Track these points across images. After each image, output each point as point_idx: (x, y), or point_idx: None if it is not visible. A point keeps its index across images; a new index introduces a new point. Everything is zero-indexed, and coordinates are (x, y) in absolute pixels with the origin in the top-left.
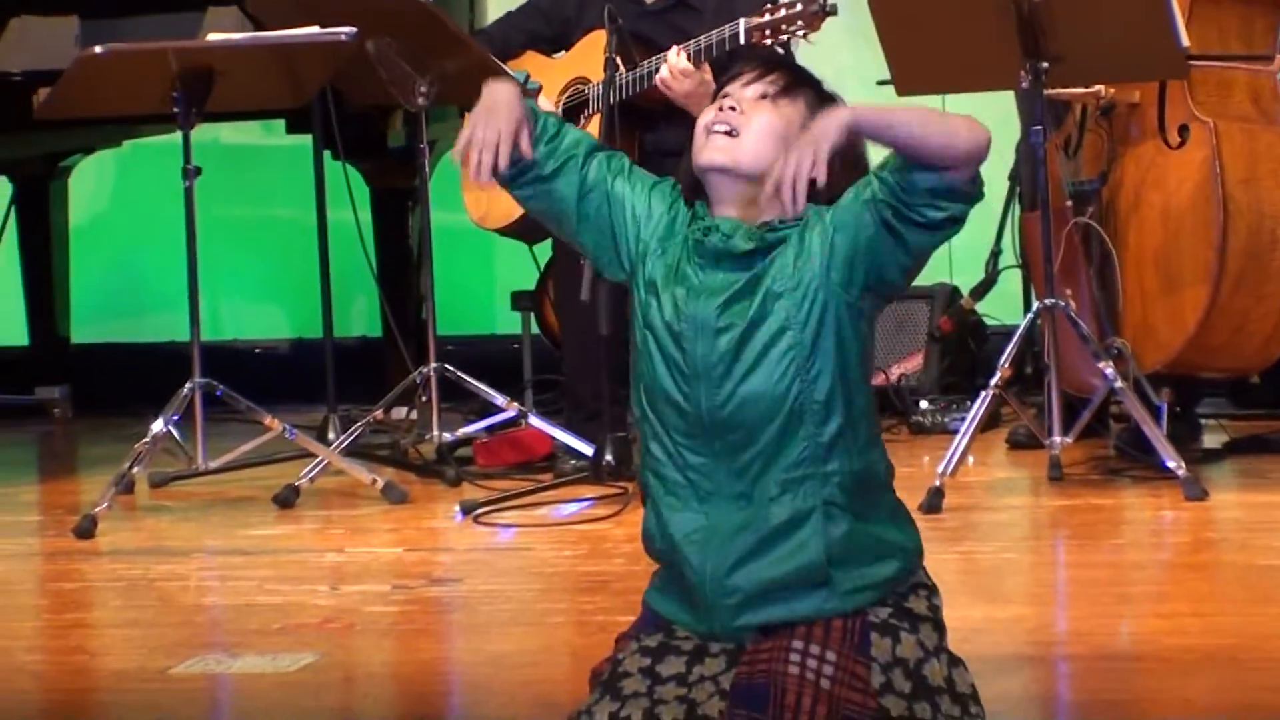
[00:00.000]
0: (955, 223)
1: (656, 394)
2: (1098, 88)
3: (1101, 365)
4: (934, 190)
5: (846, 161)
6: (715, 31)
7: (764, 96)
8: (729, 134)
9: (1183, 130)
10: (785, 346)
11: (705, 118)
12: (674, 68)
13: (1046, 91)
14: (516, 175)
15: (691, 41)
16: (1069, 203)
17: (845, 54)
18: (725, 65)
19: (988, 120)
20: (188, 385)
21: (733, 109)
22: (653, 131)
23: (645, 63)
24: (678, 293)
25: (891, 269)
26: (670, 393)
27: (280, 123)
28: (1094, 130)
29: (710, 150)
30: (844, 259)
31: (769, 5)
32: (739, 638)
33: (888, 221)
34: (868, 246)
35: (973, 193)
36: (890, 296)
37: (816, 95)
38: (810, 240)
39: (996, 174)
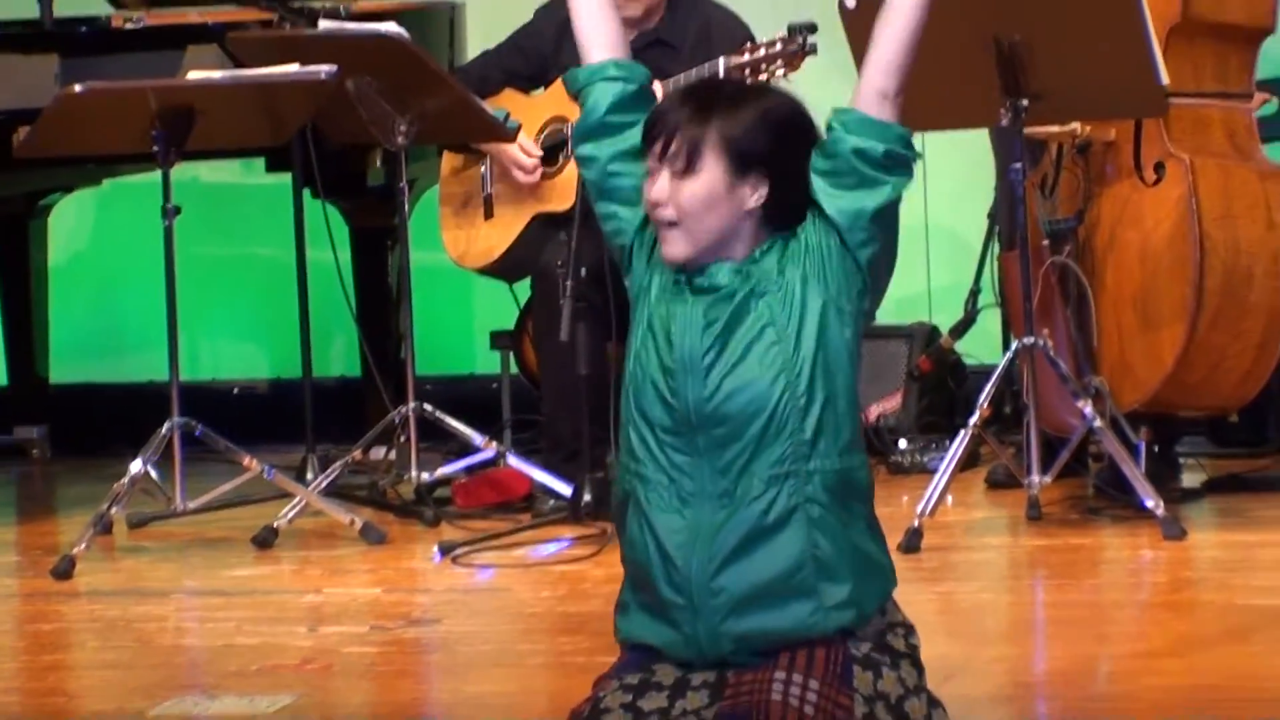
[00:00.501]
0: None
1: (645, 390)
2: (1074, 126)
3: (1080, 404)
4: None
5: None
6: (694, 70)
7: (676, 175)
8: (672, 225)
9: (1159, 167)
10: (769, 342)
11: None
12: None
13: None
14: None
15: (670, 80)
16: (1046, 241)
17: (825, 92)
18: None
19: (965, 159)
20: (166, 425)
21: (659, 204)
22: None
23: None
24: (668, 290)
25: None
26: (659, 386)
27: (259, 161)
28: (1070, 169)
29: (668, 247)
30: (823, 260)
31: (748, 44)
32: (723, 650)
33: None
34: (831, 243)
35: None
36: (874, 303)
37: (724, 117)
38: (798, 243)
39: (975, 212)
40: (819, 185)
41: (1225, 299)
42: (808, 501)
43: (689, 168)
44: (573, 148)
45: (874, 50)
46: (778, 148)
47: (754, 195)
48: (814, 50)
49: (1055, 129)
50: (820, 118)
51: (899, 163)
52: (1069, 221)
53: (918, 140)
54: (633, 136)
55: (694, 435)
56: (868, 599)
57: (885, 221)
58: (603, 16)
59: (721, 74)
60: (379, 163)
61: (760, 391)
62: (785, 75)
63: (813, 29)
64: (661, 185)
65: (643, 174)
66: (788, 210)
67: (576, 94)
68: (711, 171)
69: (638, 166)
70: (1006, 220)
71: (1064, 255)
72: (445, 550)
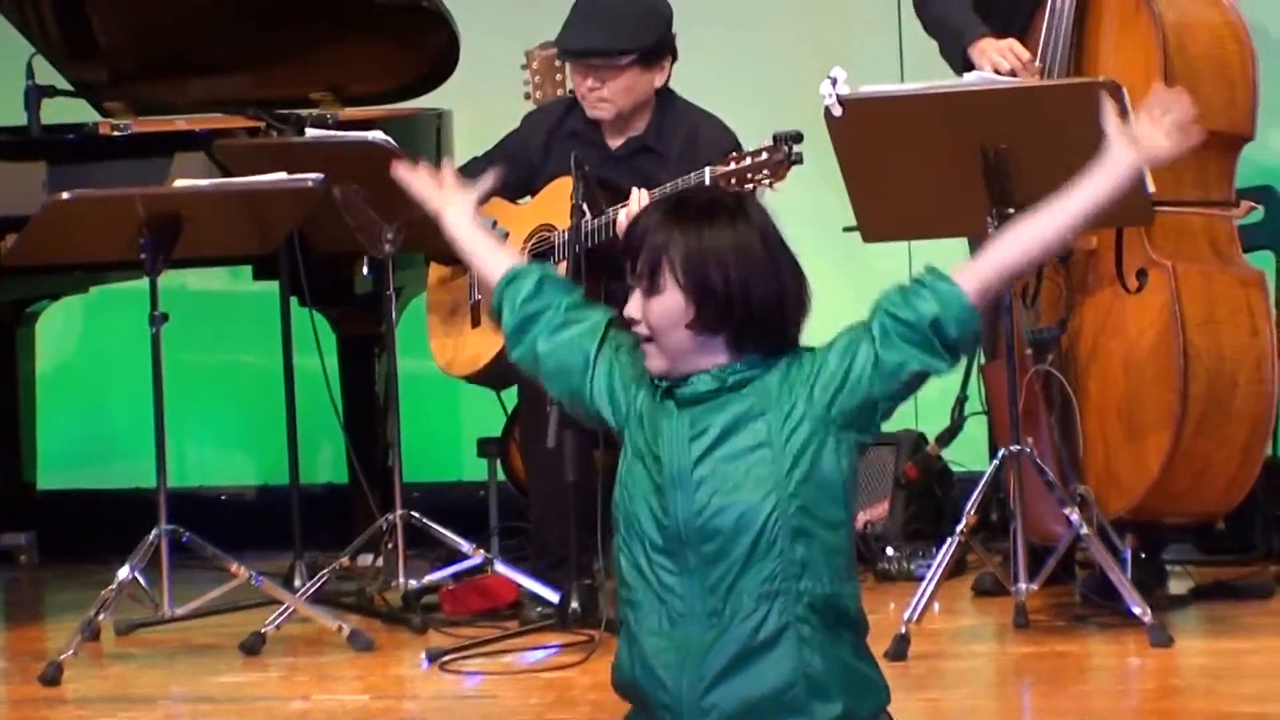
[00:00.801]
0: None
1: (636, 513)
2: None
3: (1066, 511)
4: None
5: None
6: (680, 179)
7: (643, 294)
8: (649, 340)
9: (1141, 274)
10: (763, 461)
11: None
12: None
13: None
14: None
15: (657, 189)
16: (1028, 351)
17: (810, 200)
18: None
19: (953, 265)
20: (154, 532)
21: (634, 321)
22: (619, 279)
23: (611, 209)
24: (652, 409)
25: (879, 397)
26: (651, 505)
27: (247, 269)
28: (1051, 278)
29: (648, 361)
30: (837, 390)
31: (734, 154)
32: None
33: (886, 346)
34: (861, 377)
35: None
36: (870, 439)
37: (683, 237)
38: (814, 363)
39: None
40: (886, 324)
41: (1210, 405)
42: (798, 620)
43: (652, 287)
44: (509, 354)
45: (1004, 252)
46: (729, 275)
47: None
48: (799, 159)
49: None
50: (805, 225)
51: (960, 350)
52: (1052, 330)
53: (904, 247)
54: (550, 316)
55: (684, 552)
56: (860, 716)
57: (916, 385)
58: (479, 241)
59: (708, 183)
60: (366, 270)
61: (750, 508)
62: (771, 185)
63: (798, 138)
64: (634, 303)
65: (572, 337)
66: (746, 334)
67: (498, 322)
68: (670, 292)
69: (563, 334)
70: (987, 330)
71: (1047, 364)
72: (433, 657)
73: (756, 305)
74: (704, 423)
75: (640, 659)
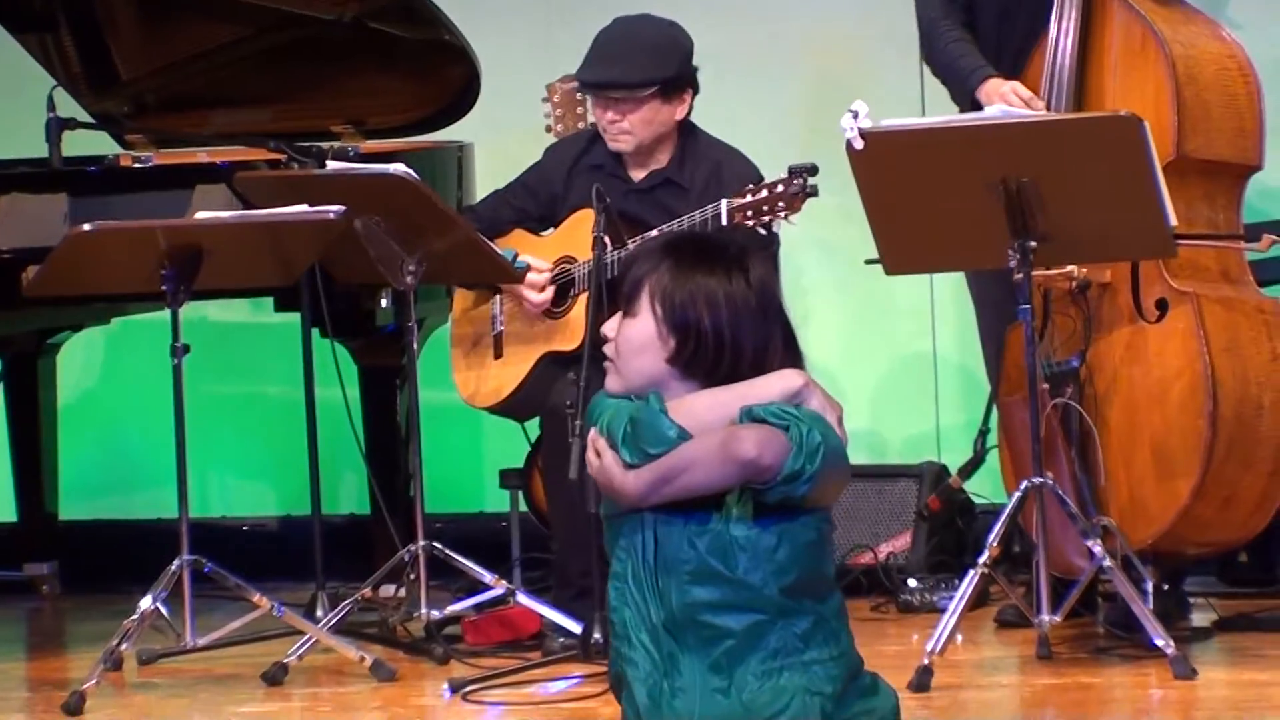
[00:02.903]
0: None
1: (632, 584)
2: (1070, 269)
3: (1089, 543)
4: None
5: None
6: (698, 211)
7: (623, 315)
8: (610, 361)
9: (1160, 304)
10: (746, 544)
11: None
12: None
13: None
14: None
15: (675, 221)
16: (1045, 385)
17: (833, 233)
18: None
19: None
20: (176, 562)
21: (606, 338)
22: None
23: (632, 241)
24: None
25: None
26: (644, 586)
27: (268, 300)
28: (1064, 311)
29: (607, 380)
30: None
31: (750, 186)
32: None
33: None
34: None
35: (787, 482)
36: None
37: (672, 271)
38: None
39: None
40: None
41: (1238, 430)
42: (807, 691)
43: (628, 309)
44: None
45: None
46: (717, 321)
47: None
48: (814, 191)
49: (1053, 272)
50: (827, 258)
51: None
52: (1070, 363)
53: (926, 280)
54: None
55: (683, 634)
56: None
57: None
58: None
59: (724, 215)
60: (387, 302)
61: (746, 593)
62: (787, 217)
63: (813, 170)
64: (611, 322)
65: None
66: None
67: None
68: (645, 317)
69: None
70: (993, 364)
71: (1066, 397)
72: (455, 687)
73: (747, 358)
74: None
75: None
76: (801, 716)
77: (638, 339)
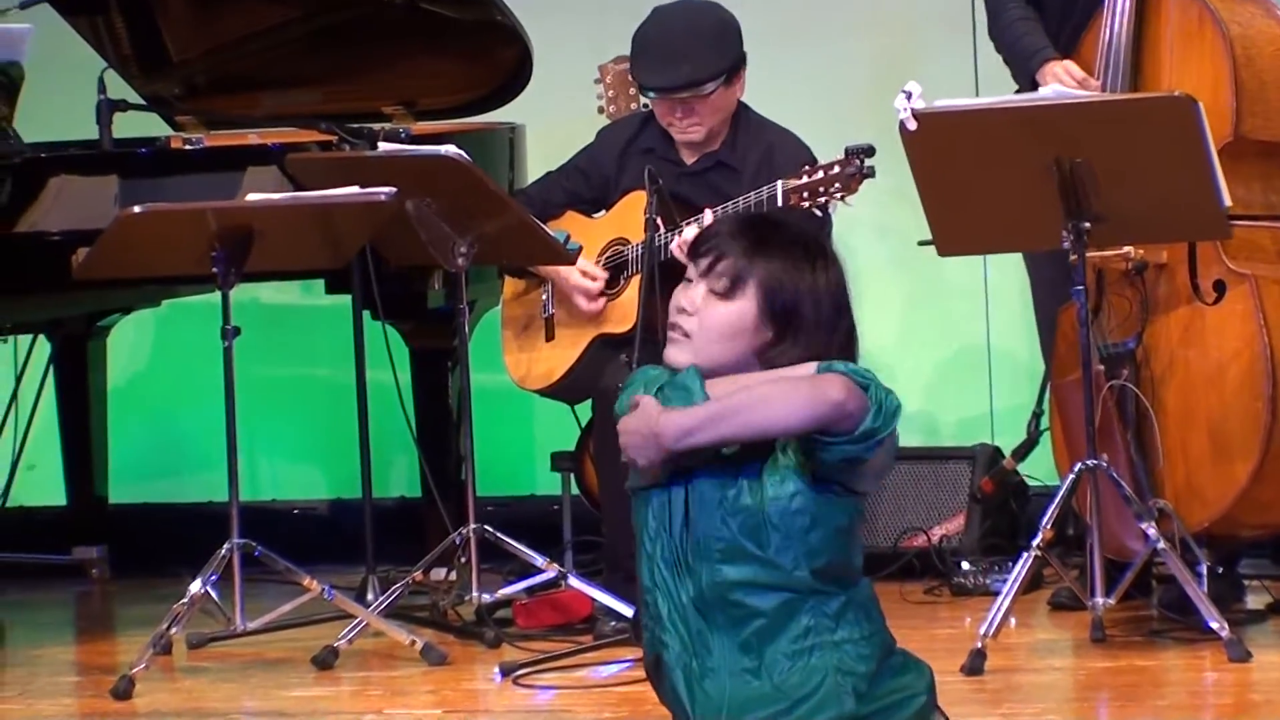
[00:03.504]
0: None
1: (660, 568)
2: (1126, 250)
3: (1144, 526)
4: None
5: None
6: (753, 194)
7: (712, 293)
8: (686, 335)
9: (1218, 285)
10: (780, 523)
11: (671, 313)
12: (684, 244)
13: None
14: None
15: (729, 204)
16: (1100, 367)
17: (886, 214)
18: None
19: (1027, 280)
20: (226, 546)
21: (684, 311)
22: None
23: (685, 223)
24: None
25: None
26: (674, 564)
27: (319, 283)
28: (1120, 293)
29: (670, 350)
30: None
31: (806, 167)
32: None
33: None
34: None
35: (860, 440)
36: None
37: (780, 261)
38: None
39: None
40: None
41: None
42: (839, 670)
43: (731, 287)
44: None
45: None
46: (814, 314)
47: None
48: (871, 173)
49: (1109, 253)
50: (879, 240)
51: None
52: (1127, 345)
53: (979, 262)
54: None
55: (713, 613)
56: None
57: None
58: None
59: (780, 197)
60: (439, 284)
61: (775, 574)
62: (843, 199)
63: (870, 151)
64: (694, 295)
65: None
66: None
67: None
68: (749, 299)
69: None
70: (1047, 348)
71: (1122, 379)
72: (506, 671)
73: (822, 352)
74: (727, 488)
75: (683, 710)
76: (833, 696)
77: (732, 323)
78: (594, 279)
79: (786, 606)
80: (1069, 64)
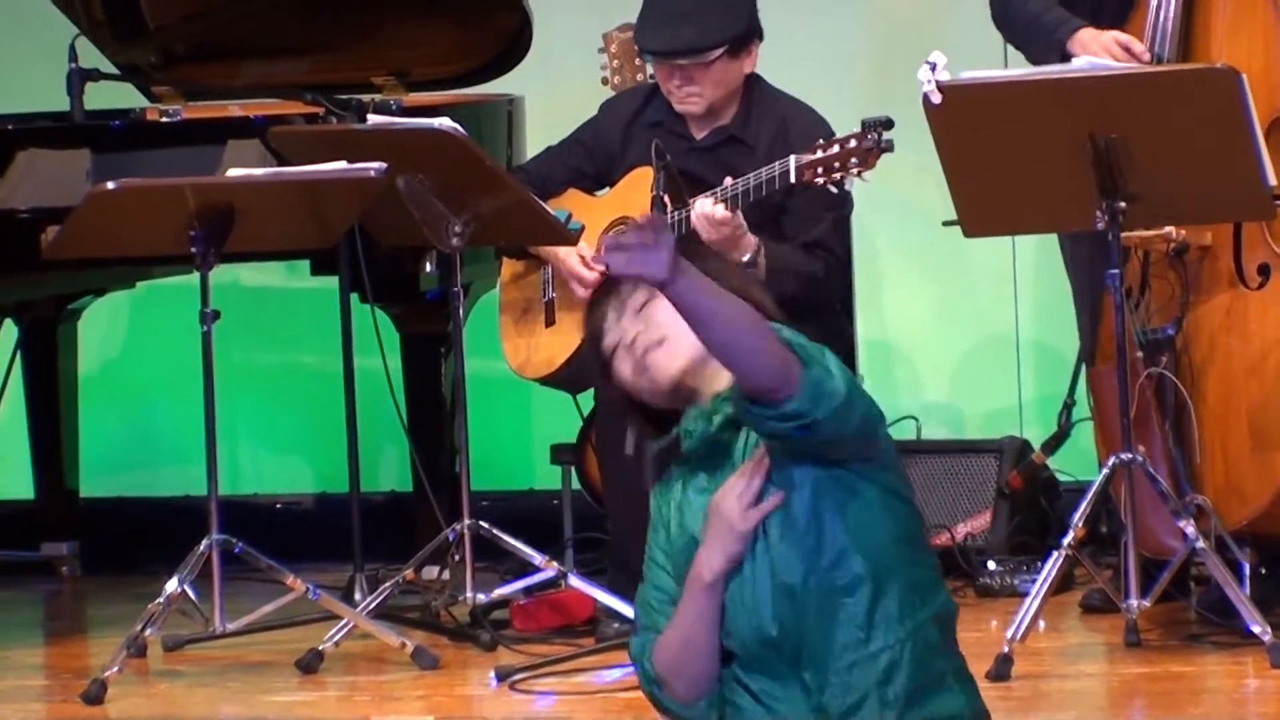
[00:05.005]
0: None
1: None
2: (1168, 230)
3: (1181, 524)
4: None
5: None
6: (765, 169)
7: (643, 305)
8: (659, 344)
9: (1263, 269)
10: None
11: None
12: (706, 216)
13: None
14: None
15: (740, 180)
16: (1139, 354)
17: (909, 193)
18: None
19: (1055, 267)
20: (204, 542)
21: (640, 331)
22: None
23: (694, 201)
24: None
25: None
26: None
27: (304, 264)
28: (1162, 276)
29: (654, 373)
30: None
31: (820, 141)
32: None
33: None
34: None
35: (787, 419)
36: (868, 456)
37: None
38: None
39: (1067, 321)
40: None
41: None
42: (879, 685)
43: (649, 297)
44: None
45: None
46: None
47: None
48: (890, 147)
49: (1150, 234)
50: (903, 219)
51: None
52: (1166, 331)
53: (1008, 243)
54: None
55: (767, 662)
56: None
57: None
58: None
59: (793, 174)
60: (432, 266)
61: (796, 592)
62: (860, 174)
63: (888, 124)
64: (630, 315)
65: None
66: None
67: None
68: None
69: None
70: (1088, 333)
71: (1161, 366)
72: (502, 676)
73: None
74: None
75: None
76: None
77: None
78: (591, 269)
79: (819, 623)
80: (1116, 33)
